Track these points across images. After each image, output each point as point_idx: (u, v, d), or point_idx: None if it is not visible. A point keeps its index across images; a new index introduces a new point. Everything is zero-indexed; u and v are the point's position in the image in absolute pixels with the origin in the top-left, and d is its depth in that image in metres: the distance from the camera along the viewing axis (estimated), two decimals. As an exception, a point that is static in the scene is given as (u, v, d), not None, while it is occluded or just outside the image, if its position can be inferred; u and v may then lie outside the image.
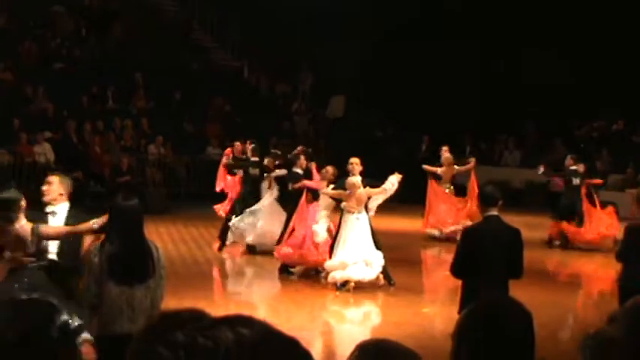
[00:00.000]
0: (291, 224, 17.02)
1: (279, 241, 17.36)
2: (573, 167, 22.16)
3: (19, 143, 25.78)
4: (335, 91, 35.00)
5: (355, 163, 16.52)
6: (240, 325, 2.06)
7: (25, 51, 29.84)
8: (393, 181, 16.43)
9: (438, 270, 18.72)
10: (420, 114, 31.06)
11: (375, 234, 16.19)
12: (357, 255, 15.63)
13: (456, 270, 9.36)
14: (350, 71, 33.06)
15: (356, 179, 15.91)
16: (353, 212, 15.75)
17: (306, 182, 17.36)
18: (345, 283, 15.72)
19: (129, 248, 7.75)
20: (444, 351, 3.50)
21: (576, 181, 21.84)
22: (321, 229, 16.48)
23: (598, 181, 22.63)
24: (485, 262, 9.11)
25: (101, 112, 29.04)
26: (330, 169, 17.21)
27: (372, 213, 16.31)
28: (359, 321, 15.01)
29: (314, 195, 17.07)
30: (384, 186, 16.34)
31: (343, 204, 15.82)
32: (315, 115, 34.79)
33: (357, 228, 15.78)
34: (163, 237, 19.62)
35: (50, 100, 28.16)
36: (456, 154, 25.40)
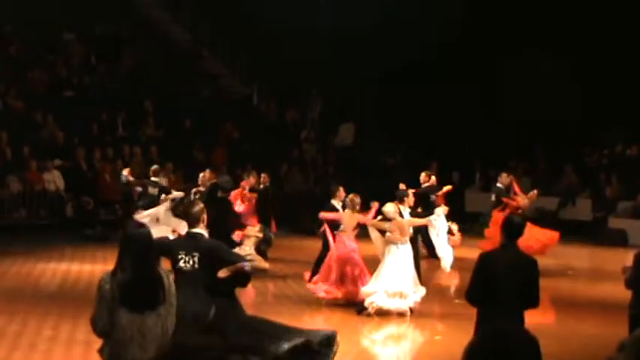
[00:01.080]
0: (327, 260, 16.88)
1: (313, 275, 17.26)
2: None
3: (28, 170, 25.84)
4: (344, 119, 35.06)
5: (407, 196, 16.72)
6: (251, 353, 2.08)
7: (35, 79, 29.94)
8: (438, 213, 16.56)
9: (451, 297, 18.68)
10: (429, 140, 31.08)
11: (419, 269, 16.24)
12: (393, 285, 15.65)
13: (471, 297, 9.31)
14: (359, 99, 33.15)
15: (391, 207, 15.96)
16: (395, 243, 15.80)
17: (326, 215, 17.25)
18: (363, 308, 15.78)
19: (140, 275, 7.76)
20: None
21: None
22: None
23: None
24: (500, 291, 9.05)
25: (111, 139, 29.10)
26: (353, 197, 17.06)
27: (450, 259, 16.48)
28: (371, 348, 14.96)
29: (332, 226, 17.04)
30: (429, 217, 16.43)
31: (387, 234, 15.86)
32: (324, 143, 34.82)
33: (398, 259, 15.79)
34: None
35: (60, 128, 28.21)
36: (466, 179, 25.47)
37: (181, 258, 9.53)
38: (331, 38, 33.06)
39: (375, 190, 22.44)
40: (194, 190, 20.80)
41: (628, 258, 11.91)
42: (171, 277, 8.10)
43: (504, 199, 22.19)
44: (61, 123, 28.32)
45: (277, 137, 33.09)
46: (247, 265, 9.73)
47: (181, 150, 29.85)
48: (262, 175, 22.52)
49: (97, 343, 8.21)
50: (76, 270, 19.81)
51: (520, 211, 21.94)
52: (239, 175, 29.28)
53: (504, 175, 22.83)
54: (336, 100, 34.21)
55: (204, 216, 9.83)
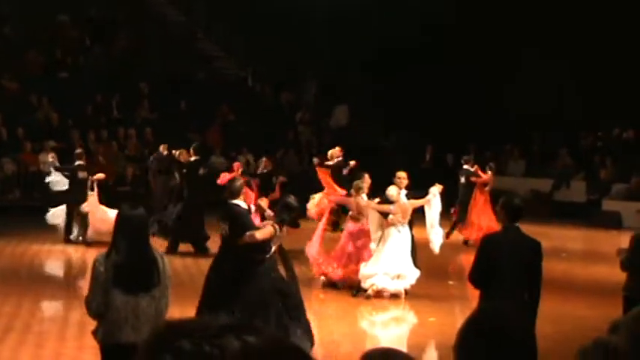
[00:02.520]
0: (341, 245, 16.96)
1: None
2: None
3: (23, 152, 25.83)
4: (338, 101, 35.01)
5: (402, 178, 16.38)
6: (246, 333, 2.06)
7: (30, 60, 29.90)
8: (434, 192, 16.53)
9: (444, 279, 18.72)
10: (424, 123, 31.06)
11: (415, 252, 16.26)
12: (391, 267, 15.67)
13: (475, 279, 9.31)
14: (353, 80, 33.10)
15: (394, 189, 15.91)
16: (396, 225, 15.78)
17: (334, 197, 17.30)
18: (359, 289, 15.81)
19: (135, 257, 7.76)
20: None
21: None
22: (373, 245, 16.33)
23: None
24: (503, 273, 9.06)
25: (105, 121, 29.08)
26: (358, 183, 16.83)
27: (440, 240, 16.63)
28: (364, 330, 15.00)
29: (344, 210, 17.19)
30: (426, 197, 16.42)
31: (389, 217, 15.83)
32: (319, 125, 34.78)
33: (398, 241, 15.81)
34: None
35: (55, 110, 28.20)
36: (460, 162, 25.58)
37: (220, 226, 11.20)
38: (327, 20, 32.98)
39: (370, 172, 22.43)
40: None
41: (623, 240, 11.94)
42: (166, 259, 8.12)
43: (472, 179, 23.35)
44: (55, 104, 28.30)
45: (272, 119, 33.04)
46: (247, 235, 10.78)
47: (176, 132, 29.82)
48: (263, 159, 22.60)
49: (91, 324, 8.23)
50: (70, 251, 19.84)
51: (487, 187, 23.49)
52: (234, 157, 29.34)
53: (471, 161, 24.22)
54: (331, 82, 34.15)
55: (244, 190, 11.40)
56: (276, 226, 11.26)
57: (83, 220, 20.43)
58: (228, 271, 11.11)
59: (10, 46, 29.76)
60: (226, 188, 11.31)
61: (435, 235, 17.06)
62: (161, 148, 23.26)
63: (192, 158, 20.79)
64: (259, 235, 10.91)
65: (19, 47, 29.89)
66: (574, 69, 31.45)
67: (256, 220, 12.59)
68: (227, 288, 11.04)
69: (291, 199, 11.25)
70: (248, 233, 10.82)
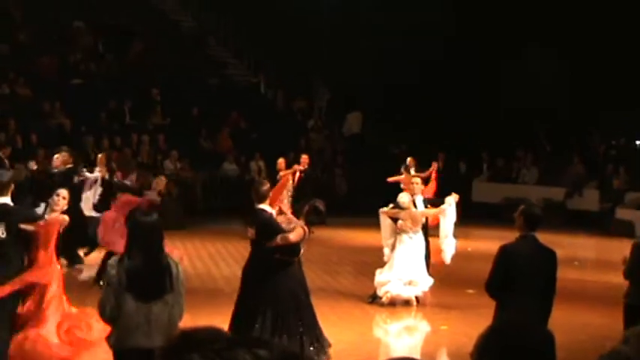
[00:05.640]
0: None
1: None
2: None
3: (36, 158, 25.84)
4: (352, 108, 35.00)
5: (416, 183, 16.55)
6: (257, 347, 2.06)
7: (43, 66, 29.95)
8: (449, 202, 16.46)
9: (456, 287, 18.67)
10: (436, 130, 31.04)
11: (429, 259, 16.23)
12: (403, 273, 15.66)
13: (492, 288, 9.30)
14: (367, 88, 33.07)
15: (406, 197, 15.89)
16: (407, 232, 15.77)
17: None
18: (375, 297, 15.81)
19: (148, 263, 7.77)
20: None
21: None
22: (387, 250, 16.31)
23: None
24: (520, 282, 9.06)
25: (119, 127, 29.11)
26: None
27: (452, 251, 16.56)
28: (377, 339, 14.97)
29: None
30: (441, 206, 16.37)
31: (399, 222, 15.82)
32: (331, 132, 34.76)
33: (410, 248, 15.78)
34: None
35: (68, 116, 28.24)
36: (473, 170, 25.60)
37: (248, 231, 11.43)
38: (340, 26, 32.96)
39: (382, 179, 22.46)
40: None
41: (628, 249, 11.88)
42: (181, 267, 8.13)
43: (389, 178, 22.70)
44: (68, 111, 28.34)
45: (285, 126, 33.05)
46: (280, 237, 11.01)
47: (188, 138, 29.88)
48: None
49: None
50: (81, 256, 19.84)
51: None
52: (244, 164, 29.39)
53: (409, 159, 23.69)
54: (344, 89, 34.13)
55: (270, 194, 11.57)
56: (306, 228, 11.50)
57: None
58: (259, 274, 11.25)
59: (23, 51, 29.83)
60: (254, 192, 11.41)
61: (448, 245, 16.99)
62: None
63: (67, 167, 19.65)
64: (292, 237, 11.10)
65: (32, 53, 29.96)
66: (581, 70, 31.37)
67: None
68: (259, 290, 11.19)
69: (320, 204, 11.54)
70: (280, 236, 11.03)
